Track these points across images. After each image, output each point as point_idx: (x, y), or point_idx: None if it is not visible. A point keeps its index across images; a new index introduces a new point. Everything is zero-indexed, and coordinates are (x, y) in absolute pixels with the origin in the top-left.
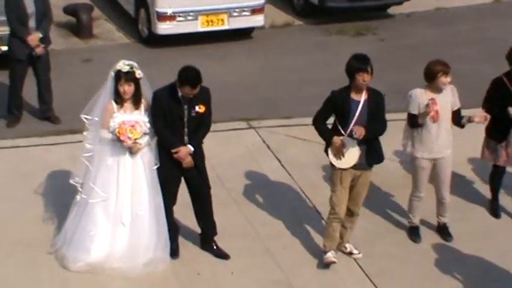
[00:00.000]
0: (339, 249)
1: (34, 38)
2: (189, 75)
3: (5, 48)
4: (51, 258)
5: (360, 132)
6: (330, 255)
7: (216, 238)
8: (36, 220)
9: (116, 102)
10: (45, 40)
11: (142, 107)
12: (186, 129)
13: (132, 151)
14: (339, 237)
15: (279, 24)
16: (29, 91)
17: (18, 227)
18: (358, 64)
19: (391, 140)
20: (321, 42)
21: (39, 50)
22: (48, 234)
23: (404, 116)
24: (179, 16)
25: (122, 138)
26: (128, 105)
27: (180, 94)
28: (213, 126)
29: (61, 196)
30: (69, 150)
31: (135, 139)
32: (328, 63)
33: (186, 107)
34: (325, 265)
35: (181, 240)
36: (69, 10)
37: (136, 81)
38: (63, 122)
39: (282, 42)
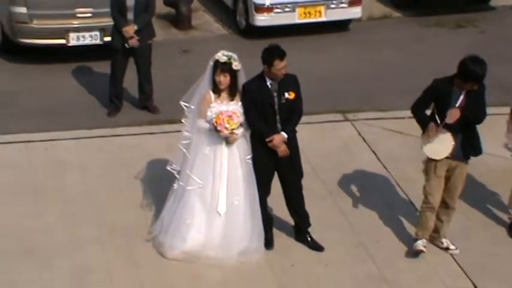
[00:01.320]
0: (435, 244)
1: (129, 29)
2: (273, 49)
3: (108, 38)
4: (149, 245)
5: (454, 114)
6: (420, 243)
7: (310, 230)
8: (134, 207)
9: (214, 92)
10: (141, 32)
11: (238, 98)
12: (277, 117)
13: (228, 141)
14: (432, 226)
15: (376, 16)
16: (130, 81)
17: (117, 214)
18: (478, 70)
19: (491, 134)
20: (419, 34)
21: (133, 42)
22: (146, 221)
23: (504, 110)
24: (277, 8)
25: (219, 128)
26: (224, 95)
27: (268, 82)
28: (309, 118)
29: (158, 184)
30: (167, 139)
31: (232, 129)
32: (427, 56)
33: (275, 94)
34: (414, 253)
35: (275, 231)
36: (169, 2)
37: (232, 73)
38: (162, 112)
39: (380, 34)
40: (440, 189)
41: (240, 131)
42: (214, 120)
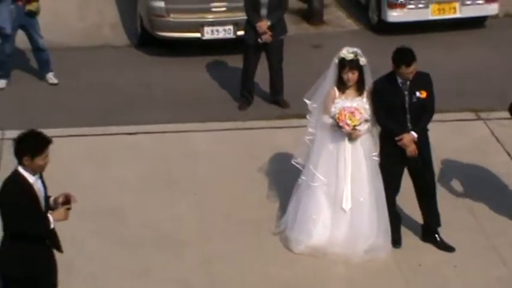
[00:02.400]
0: None
1: (262, 25)
2: (402, 54)
3: (241, 33)
4: (276, 238)
5: None
6: None
7: (438, 230)
8: (262, 199)
9: (338, 89)
10: (274, 28)
11: (364, 93)
12: (408, 116)
13: (351, 137)
14: None
15: None
16: (261, 75)
17: (246, 206)
18: None
19: None
20: None
21: (266, 37)
22: (273, 214)
23: None
24: (410, 3)
25: (340, 124)
26: (351, 91)
27: (399, 81)
28: (440, 116)
29: (285, 177)
30: (295, 134)
31: (354, 125)
32: None
33: (406, 93)
34: None
35: (403, 229)
36: None
37: (360, 69)
38: (291, 107)
39: None
40: None
41: (363, 127)
42: (336, 116)
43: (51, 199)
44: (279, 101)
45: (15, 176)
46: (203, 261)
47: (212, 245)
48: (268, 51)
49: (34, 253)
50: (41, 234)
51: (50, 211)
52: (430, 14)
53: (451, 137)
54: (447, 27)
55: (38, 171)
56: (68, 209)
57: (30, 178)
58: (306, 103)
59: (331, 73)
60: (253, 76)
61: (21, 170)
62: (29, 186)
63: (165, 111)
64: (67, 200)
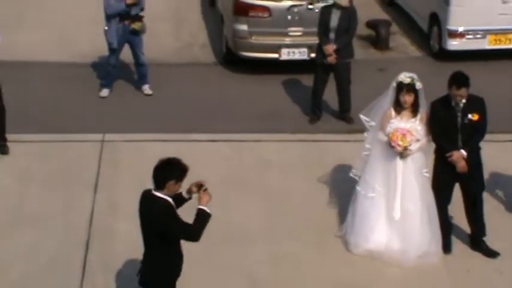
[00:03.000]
0: None
1: (329, 48)
2: (456, 76)
3: (313, 55)
4: (338, 241)
5: None
6: None
7: (486, 238)
8: (326, 205)
9: (395, 110)
10: (340, 52)
11: (418, 115)
12: (459, 135)
13: (401, 155)
14: None
15: None
16: (332, 93)
17: (311, 210)
18: None
19: None
20: None
21: (331, 59)
22: (336, 219)
23: None
24: (468, 34)
25: (392, 144)
26: (406, 113)
27: (453, 103)
28: (492, 137)
29: (347, 186)
30: (358, 147)
31: (405, 146)
32: None
33: (459, 114)
34: None
35: (453, 237)
36: (370, 24)
37: (416, 92)
38: (356, 123)
39: None
40: None
41: (414, 147)
42: (389, 136)
43: (184, 193)
44: (346, 117)
45: (159, 199)
46: (268, 258)
47: (277, 245)
48: (336, 72)
49: (179, 258)
50: (196, 238)
51: (199, 202)
52: (487, 43)
53: (502, 156)
54: (504, 55)
55: (172, 193)
56: (205, 189)
57: (169, 198)
58: (357, 120)
59: (390, 95)
60: (321, 94)
61: (157, 193)
62: (171, 205)
63: (244, 122)
64: (199, 185)
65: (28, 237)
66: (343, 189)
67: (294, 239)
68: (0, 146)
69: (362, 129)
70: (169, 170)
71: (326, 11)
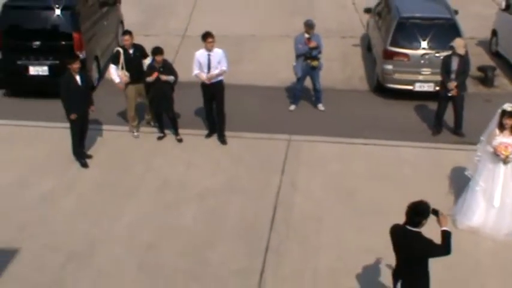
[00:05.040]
0: None
1: (451, 84)
2: None
3: (437, 88)
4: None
5: None
6: None
7: None
8: (443, 195)
9: (499, 129)
10: (459, 87)
11: None
12: None
13: (504, 162)
14: None
15: None
16: (448, 115)
17: (432, 198)
18: None
19: None
20: None
21: (453, 93)
22: (450, 204)
23: None
24: None
25: (497, 153)
26: (507, 132)
27: None
28: None
29: (458, 182)
30: (468, 154)
31: (506, 156)
32: None
33: None
34: None
35: None
36: (480, 68)
37: None
38: (466, 137)
39: None
40: None
41: None
42: (495, 147)
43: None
44: (458, 133)
45: (416, 233)
46: (361, 252)
47: (368, 239)
48: (454, 101)
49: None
50: (449, 252)
51: (440, 224)
52: None
53: None
54: None
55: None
56: (442, 214)
57: (420, 231)
58: (475, 134)
59: (496, 118)
60: (442, 116)
61: (412, 228)
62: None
63: (387, 132)
64: (435, 211)
65: (237, 202)
66: (455, 183)
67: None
68: (222, 137)
69: (470, 142)
70: (424, 211)
71: (448, 57)
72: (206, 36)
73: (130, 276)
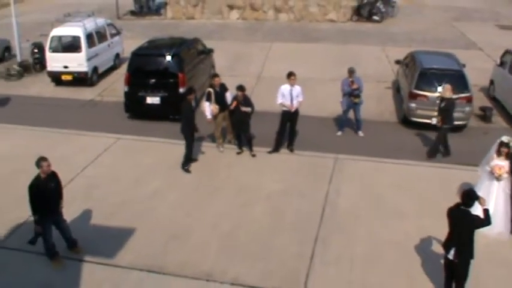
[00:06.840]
0: None
1: (439, 121)
2: None
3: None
4: None
5: None
6: None
7: None
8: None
9: (496, 155)
10: (443, 120)
11: (509, 160)
12: None
13: (497, 179)
14: None
15: None
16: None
17: (444, 202)
18: None
19: None
20: None
21: (438, 125)
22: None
23: None
24: None
25: (493, 172)
26: (502, 157)
27: None
28: None
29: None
30: (468, 173)
31: (499, 174)
32: None
33: None
34: None
35: None
36: (481, 108)
37: (509, 147)
38: (466, 160)
39: None
40: None
41: (505, 176)
42: (492, 167)
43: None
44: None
45: (473, 215)
46: (394, 244)
47: (427, 218)
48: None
49: None
50: (490, 223)
51: (481, 204)
52: None
53: None
54: None
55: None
56: (482, 198)
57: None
58: (476, 158)
59: (494, 147)
60: (446, 141)
61: (464, 208)
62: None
63: (410, 154)
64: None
65: (295, 202)
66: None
67: (432, 215)
68: (291, 146)
69: (468, 163)
70: (473, 197)
71: (440, 99)
72: (290, 74)
73: (211, 256)
